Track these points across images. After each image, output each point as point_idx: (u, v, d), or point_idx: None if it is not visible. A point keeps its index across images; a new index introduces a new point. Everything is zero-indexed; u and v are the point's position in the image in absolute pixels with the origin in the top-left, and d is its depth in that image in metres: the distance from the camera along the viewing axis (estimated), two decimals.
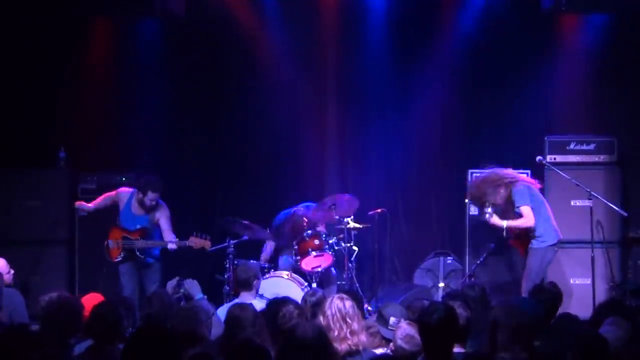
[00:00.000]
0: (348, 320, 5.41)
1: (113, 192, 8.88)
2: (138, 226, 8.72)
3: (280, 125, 10.56)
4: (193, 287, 6.59)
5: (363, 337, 5.43)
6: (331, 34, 10.59)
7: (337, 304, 5.49)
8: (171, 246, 8.62)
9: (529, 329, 4.72)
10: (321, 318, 5.48)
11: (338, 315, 5.42)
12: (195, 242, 8.61)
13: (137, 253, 8.67)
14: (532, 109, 10.38)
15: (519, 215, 8.38)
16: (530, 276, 8.26)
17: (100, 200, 8.90)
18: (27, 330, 4.86)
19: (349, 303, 5.51)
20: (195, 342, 5.17)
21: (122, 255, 8.69)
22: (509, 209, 8.47)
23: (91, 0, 9.84)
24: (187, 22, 10.27)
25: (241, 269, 7.32)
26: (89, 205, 8.86)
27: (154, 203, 8.70)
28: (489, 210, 8.32)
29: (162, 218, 8.78)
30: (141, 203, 8.71)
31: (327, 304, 5.55)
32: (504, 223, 8.34)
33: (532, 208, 8.37)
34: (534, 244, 8.42)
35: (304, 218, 9.23)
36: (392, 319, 5.57)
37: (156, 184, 8.69)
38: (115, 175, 9.92)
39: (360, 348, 5.35)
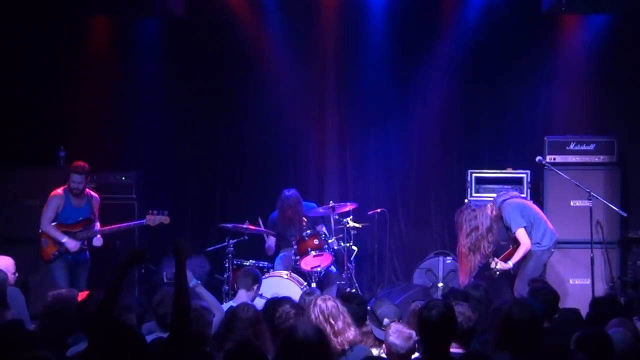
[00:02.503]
0: (331, 320, 5.34)
1: (50, 198, 8.62)
2: (80, 218, 8.60)
3: (281, 125, 10.56)
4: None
5: (349, 335, 5.34)
6: (331, 34, 10.59)
7: (320, 305, 5.40)
8: (97, 243, 8.63)
9: (539, 326, 4.73)
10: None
11: (321, 317, 5.34)
12: (151, 219, 8.54)
13: (85, 243, 8.58)
14: (532, 109, 10.39)
15: (515, 240, 8.39)
16: (524, 277, 8.26)
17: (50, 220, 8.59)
18: (22, 328, 4.86)
19: (330, 303, 5.43)
20: (203, 343, 5.17)
21: (58, 251, 8.49)
22: (501, 228, 8.50)
23: (91, 0, 9.83)
24: (187, 22, 10.28)
25: (242, 273, 7.30)
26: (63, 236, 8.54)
27: (80, 186, 8.52)
28: (494, 260, 8.27)
29: (95, 208, 8.74)
30: (71, 191, 8.59)
31: (310, 307, 5.47)
32: (510, 263, 8.29)
33: (526, 226, 8.36)
34: (532, 247, 8.41)
35: (304, 218, 9.25)
36: (385, 320, 5.54)
37: (76, 167, 8.58)
38: (115, 175, 9.95)
39: (347, 347, 5.30)
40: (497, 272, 8.28)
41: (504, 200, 8.51)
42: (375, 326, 5.58)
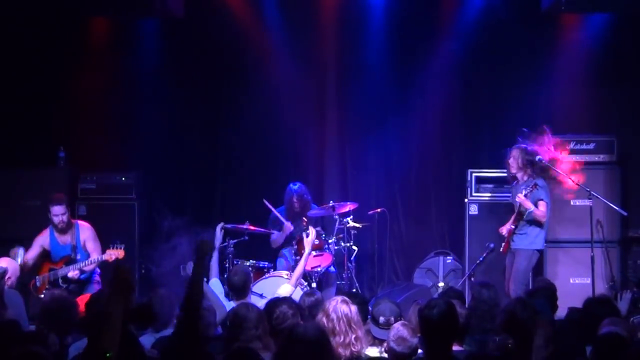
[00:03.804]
0: (354, 326, 5.32)
1: (37, 239, 8.49)
2: (62, 255, 8.48)
3: (281, 125, 10.56)
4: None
5: (365, 343, 5.36)
6: (331, 34, 10.59)
7: (343, 309, 5.36)
8: (72, 274, 8.33)
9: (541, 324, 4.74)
10: (325, 320, 5.34)
11: (345, 320, 5.31)
12: (109, 254, 8.30)
13: (60, 282, 8.37)
14: (532, 109, 10.37)
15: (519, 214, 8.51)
16: (519, 278, 8.34)
17: (30, 259, 8.42)
18: (17, 328, 4.88)
19: (354, 308, 5.40)
20: (206, 344, 5.16)
21: (48, 289, 8.28)
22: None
23: (91, 0, 9.84)
24: (186, 23, 10.28)
25: (234, 273, 6.99)
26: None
27: (64, 218, 8.40)
28: (526, 192, 8.44)
29: (88, 240, 8.55)
30: (55, 227, 8.44)
31: (330, 307, 5.40)
32: (532, 207, 8.44)
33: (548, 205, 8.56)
34: (523, 244, 8.49)
35: (304, 218, 9.26)
36: (381, 318, 5.53)
37: (53, 198, 8.43)
38: (115, 175, 9.96)
39: (363, 355, 5.30)
40: (524, 191, 8.41)
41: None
42: (373, 324, 5.58)
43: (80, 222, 8.71)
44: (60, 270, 8.39)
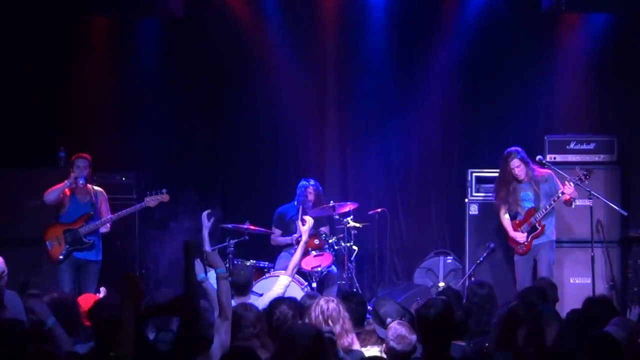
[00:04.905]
0: (330, 323, 5.33)
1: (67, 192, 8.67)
2: (81, 214, 8.64)
3: (281, 125, 10.57)
4: (196, 266, 6.51)
5: (345, 341, 5.33)
6: (331, 34, 10.61)
7: (322, 306, 5.40)
8: (104, 230, 8.66)
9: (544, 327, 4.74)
10: (306, 321, 5.39)
11: (320, 318, 5.35)
12: (151, 200, 8.61)
13: (84, 239, 8.57)
14: (532, 109, 10.39)
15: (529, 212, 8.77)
16: (550, 270, 8.53)
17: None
18: (19, 326, 4.88)
19: (332, 305, 5.42)
20: (206, 346, 5.14)
21: (66, 249, 8.54)
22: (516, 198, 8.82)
23: (91, 0, 9.84)
24: (186, 23, 10.28)
25: (238, 271, 6.96)
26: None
27: (85, 172, 8.56)
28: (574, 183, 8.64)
29: (103, 203, 8.80)
30: (76, 181, 8.56)
31: (311, 310, 5.45)
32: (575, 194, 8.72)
33: None
34: (547, 237, 8.69)
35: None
36: (388, 319, 5.52)
37: (78, 155, 8.65)
38: (115, 175, 9.93)
39: (341, 354, 5.25)
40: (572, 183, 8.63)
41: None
42: (378, 325, 5.57)
43: (96, 187, 8.88)
44: (85, 227, 8.55)
